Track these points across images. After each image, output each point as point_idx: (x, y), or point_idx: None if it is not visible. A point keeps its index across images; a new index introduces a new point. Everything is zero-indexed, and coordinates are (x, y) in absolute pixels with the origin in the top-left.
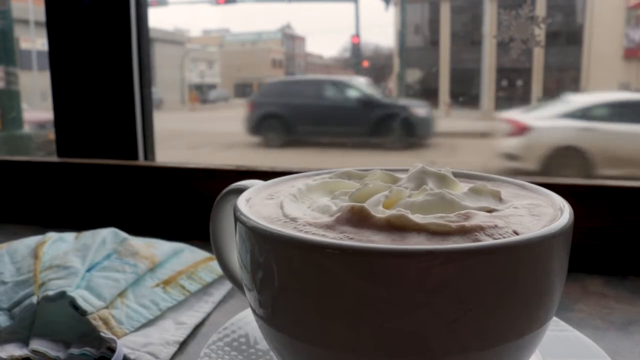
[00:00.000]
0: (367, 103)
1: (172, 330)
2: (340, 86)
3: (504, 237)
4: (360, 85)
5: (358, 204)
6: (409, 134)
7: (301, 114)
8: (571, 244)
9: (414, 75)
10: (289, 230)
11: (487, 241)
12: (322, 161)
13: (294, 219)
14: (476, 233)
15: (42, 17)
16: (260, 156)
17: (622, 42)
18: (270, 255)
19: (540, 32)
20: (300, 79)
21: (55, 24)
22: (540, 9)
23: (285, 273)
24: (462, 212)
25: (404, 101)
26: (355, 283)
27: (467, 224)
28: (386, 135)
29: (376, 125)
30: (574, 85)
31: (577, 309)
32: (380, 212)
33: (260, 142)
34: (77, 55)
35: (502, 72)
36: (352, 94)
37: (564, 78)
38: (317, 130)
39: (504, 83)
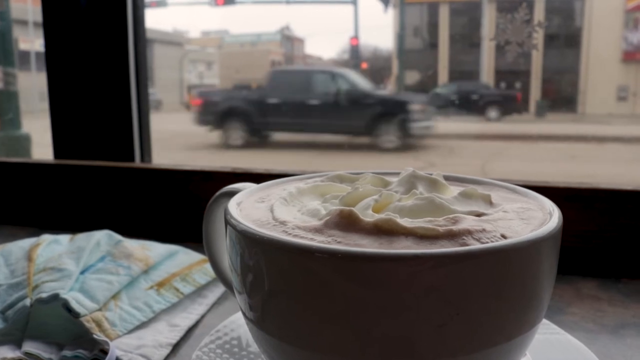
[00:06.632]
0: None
1: (165, 333)
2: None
3: (492, 241)
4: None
5: (347, 208)
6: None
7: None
8: (564, 247)
9: (412, 77)
10: (277, 234)
11: (474, 245)
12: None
13: (283, 223)
14: (464, 237)
15: (40, 18)
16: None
17: (620, 45)
18: (260, 259)
19: (536, 35)
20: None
21: (52, 25)
22: (539, 12)
23: (273, 276)
24: (451, 216)
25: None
26: (342, 286)
27: (454, 228)
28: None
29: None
30: (573, 87)
31: (569, 312)
32: (369, 216)
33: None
34: (74, 57)
35: (501, 74)
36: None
37: (563, 81)
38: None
39: (503, 85)
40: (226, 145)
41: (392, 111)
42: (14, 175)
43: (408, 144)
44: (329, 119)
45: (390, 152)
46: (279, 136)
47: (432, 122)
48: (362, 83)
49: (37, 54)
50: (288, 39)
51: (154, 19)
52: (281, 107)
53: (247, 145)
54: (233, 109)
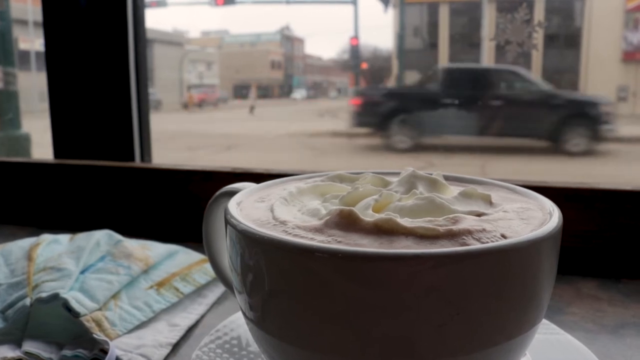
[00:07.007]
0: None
1: (165, 332)
2: None
3: (492, 241)
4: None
5: (347, 208)
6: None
7: None
8: (564, 247)
9: (412, 77)
10: (277, 234)
11: (474, 245)
12: None
13: (283, 222)
14: (464, 237)
15: (40, 17)
16: None
17: (620, 44)
18: (260, 259)
19: (536, 35)
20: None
21: (52, 25)
22: (539, 12)
23: (273, 276)
24: (451, 216)
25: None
26: (342, 286)
27: (454, 227)
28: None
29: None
30: (573, 87)
31: (569, 312)
32: (369, 216)
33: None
34: (74, 57)
35: None
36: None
37: (563, 81)
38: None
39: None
40: (389, 148)
41: (582, 113)
42: (14, 175)
43: (593, 148)
44: (512, 121)
45: (577, 156)
46: (452, 139)
47: (616, 125)
48: (540, 82)
49: (37, 53)
50: (288, 39)
51: (154, 19)
52: (456, 108)
53: (413, 149)
54: (399, 109)
